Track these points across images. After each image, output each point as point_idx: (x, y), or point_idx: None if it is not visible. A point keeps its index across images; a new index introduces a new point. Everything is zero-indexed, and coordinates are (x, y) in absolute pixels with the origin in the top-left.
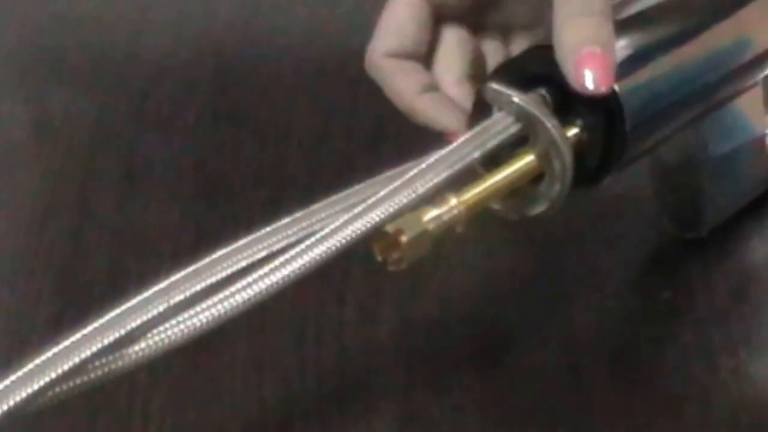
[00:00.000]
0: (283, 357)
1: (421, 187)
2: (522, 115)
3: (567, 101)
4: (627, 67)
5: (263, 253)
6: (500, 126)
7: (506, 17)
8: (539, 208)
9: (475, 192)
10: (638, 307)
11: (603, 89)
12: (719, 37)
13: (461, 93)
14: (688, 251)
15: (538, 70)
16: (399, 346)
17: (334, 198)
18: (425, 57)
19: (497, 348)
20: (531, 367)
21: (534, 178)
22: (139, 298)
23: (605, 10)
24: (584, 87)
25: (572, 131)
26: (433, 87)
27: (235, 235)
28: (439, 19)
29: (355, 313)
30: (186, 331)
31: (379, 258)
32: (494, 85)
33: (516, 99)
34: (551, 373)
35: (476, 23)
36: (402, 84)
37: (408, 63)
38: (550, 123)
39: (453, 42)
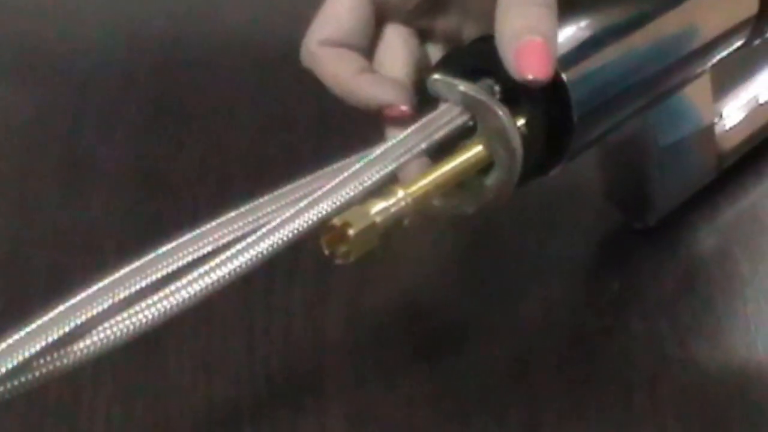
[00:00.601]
0: (231, 354)
1: (368, 180)
2: (469, 104)
3: (513, 92)
4: (575, 55)
5: (209, 248)
6: (447, 117)
7: (454, 25)
8: (486, 200)
9: (422, 184)
10: (586, 297)
11: (542, 79)
12: (668, 25)
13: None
14: (636, 241)
15: (482, 61)
16: (348, 341)
17: (280, 191)
18: (365, 52)
19: (446, 340)
20: (480, 358)
21: (481, 171)
22: (83, 294)
23: (551, 3)
24: (524, 77)
25: (519, 122)
26: (371, 70)
27: (179, 230)
28: (383, 19)
29: (303, 308)
30: (131, 327)
31: (327, 252)
32: (439, 76)
33: (462, 88)
34: (501, 364)
35: (423, 30)
36: (338, 67)
37: (344, 50)
38: (500, 110)
39: (396, 40)
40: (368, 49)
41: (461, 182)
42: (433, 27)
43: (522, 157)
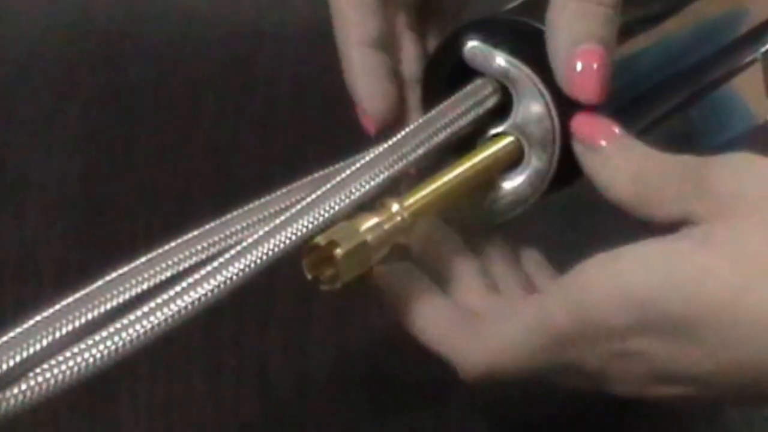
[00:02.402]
0: (195, 397)
1: (357, 191)
2: (508, 80)
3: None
4: None
5: (167, 274)
6: (451, 114)
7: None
8: (503, 209)
9: (423, 194)
10: None
11: (595, 101)
12: (710, 6)
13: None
14: None
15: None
16: (334, 381)
17: (252, 205)
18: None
19: (449, 374)
20: (492, 395)
21: (499, 174)
22: (18, 330)
23: (619, 2)
24: (574, 95)
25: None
26: (384, 44)
27: (131, 253)
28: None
29: (281, 343)
30: (76, 369)
31: (310, 276)
32: (477, 43)
33: (503, 61)
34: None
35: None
36: (350, 24)
37: (374, 6)
38: (546, 90)
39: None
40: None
41: (470, 192)
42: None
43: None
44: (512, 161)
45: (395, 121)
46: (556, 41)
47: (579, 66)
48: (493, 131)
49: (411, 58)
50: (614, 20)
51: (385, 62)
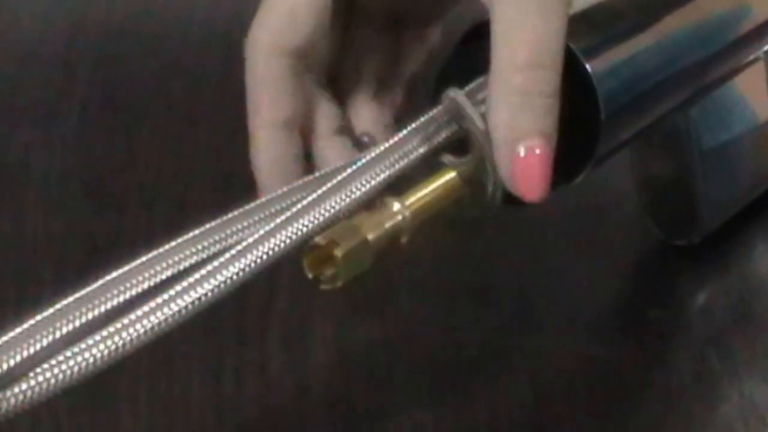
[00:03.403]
0: (194, 399)
1: (358, 190)
2: (454, 112)
3: None
4: (602, 43)
5: (167, 274)
6: (447, 116)
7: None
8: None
9: (423, 193)
10: (621, 328)
11: (535, 200)
12: (712, 4)
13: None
14: (679, 261)
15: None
16: (335, 383)
17: (252, 204)
18: (327, 57)
19: (454, 380)
20: (494, 399)
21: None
22: (17, 331)
23: (557, 89)
24: (517, 191)
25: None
26: (296, 123)
27: (132, 252)
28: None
29: (281, 345)
30: (76, 368)
31: (310, 275)
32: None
33: (452, 93)
34: (519, 406)
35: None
36: (267, 102)
37: (290, 75)
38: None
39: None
40: (335, 50)
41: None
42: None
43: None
44: None
45: None
46: (498, 138)
47: (521, 164)
48: None
49: (325, 115)
50: (555, 109)
51: (294, 145)
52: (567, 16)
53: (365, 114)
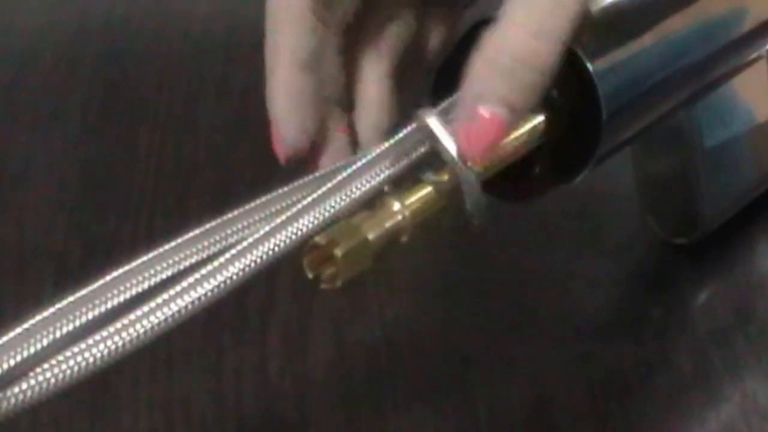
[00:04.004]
0: (195, 397)
1: (358, 189)
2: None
3: None
4: (603, 41)
5: (168, 273)
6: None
7: None
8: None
9: (423, 193)
10: (622, 326)
11: (474, 165)
12: (713, 4)
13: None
14: (681, 260)
15: None
16: (335, 381)
17: (253, 204)
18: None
19: (453, 378)
20: (494, 398)
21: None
22: (18, 329)
23: (551, 70)
24: (463, 156)
25: (539, 119)
26: (314, 66)
27: (132, 251)
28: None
29: (281, 342)
30: (76, 368)
31: (310, 275)
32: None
33: (420, 112)
34: (520, 404)
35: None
36: (287, 43)
37: (309, 17)
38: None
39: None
40: (356, 13)
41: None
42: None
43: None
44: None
45: (308, 151)
46: (467, 89)
47: (473, 124)
48: None
49: (334, 82)
50: (537, 89)
51: (312, 86)
52: (583, 7)
53: (372, 95)
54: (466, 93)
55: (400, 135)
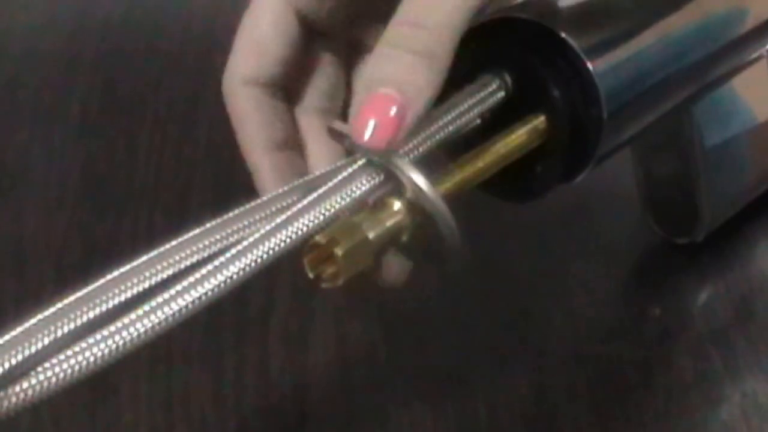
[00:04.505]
0: (195, 397)
1: (359, 188)
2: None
3: (531, 84)
4: (603, 40)
5: (169, 272)
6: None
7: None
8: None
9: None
10: (622, 325)
11: (378, 144)
12: (713, 3)
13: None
14: (681, 260)
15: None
16: (335, 379)
17: (253, 203)
18: (293, 80)
19: (452, 377)
20: (493, 397)
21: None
22: (20, 328)
23: (436, 52)
24: (358, 137)
25: (539, 119)
26: (289, 143)
27: (133, 251)
28: (310, 36)
29: (282, 341)
30: (77, 367)
31: (311, 274)
32: (336, 126)
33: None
34: (519, 403)
35: (356, 42)
36: (255, 130)
37: (268, 101)
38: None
39: (325, 83)
40: (296, 75)
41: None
42: (365, 39)
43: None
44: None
45: None
46: (360, 83)
47: (370, 106)
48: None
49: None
50: (422, 69)
51: (294, 164)
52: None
53: (307, 128)
54: (359, 85)
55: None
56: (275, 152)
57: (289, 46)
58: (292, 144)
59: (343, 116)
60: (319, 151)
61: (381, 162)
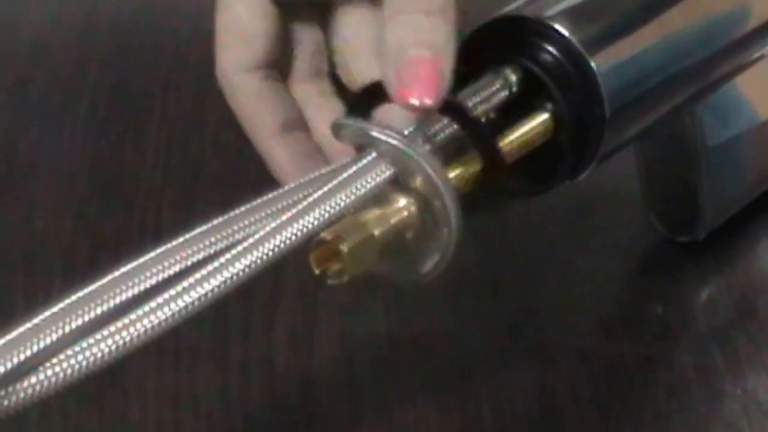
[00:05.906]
0: (202, 391)
1: (364, 186)
2: (392, 158)
3: (533, 82)
4: (606, 38)
5: (176, 269)
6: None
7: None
8: (431, 262)
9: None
10: (624, 323)
11: (428, 102)
12: (716, 3)
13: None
14: (683, 258)
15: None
16: (340, 375)
17: (259, 200)
18: (280, 56)
19: (457, 374)
20: (497, 394)
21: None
22: (28, 324)
23: (446, 9)
24: (405, 100)
25: (541, 117)
26: (295, 122)
27: (140, 247)
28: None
29: (287, 337)
30: (84, 363)
31: (317, 271)
32: (347, 121)
33: (376, 133)
34: (522, 401)
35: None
36: (260, 117)
37: (266, 84)
38: (431, 170)
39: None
40: (281, 48)
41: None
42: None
43: (456, 239)
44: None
45: None
46: (386, 51)
47: (406, 71)
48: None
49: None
50: (446, 27)
51: (304, 143)
52: None
53: (304, 97)
54: (389, 52)
55: (407, 131)
56: (284, 135)
57: (270, 25)
58: (299, 123)
59: (332, 76)
60: (322, 118)
61: (401, 146)
